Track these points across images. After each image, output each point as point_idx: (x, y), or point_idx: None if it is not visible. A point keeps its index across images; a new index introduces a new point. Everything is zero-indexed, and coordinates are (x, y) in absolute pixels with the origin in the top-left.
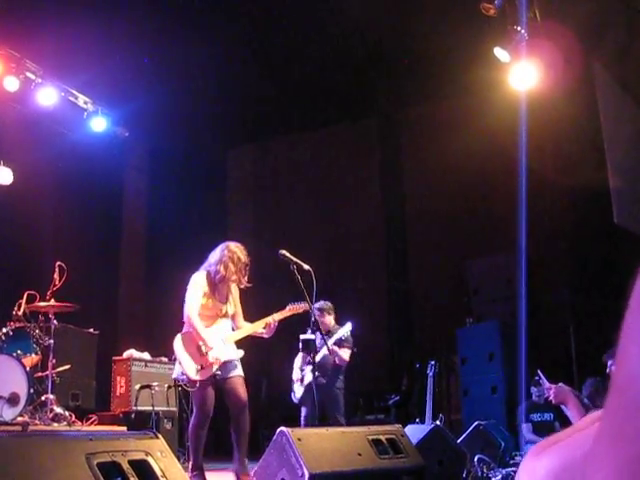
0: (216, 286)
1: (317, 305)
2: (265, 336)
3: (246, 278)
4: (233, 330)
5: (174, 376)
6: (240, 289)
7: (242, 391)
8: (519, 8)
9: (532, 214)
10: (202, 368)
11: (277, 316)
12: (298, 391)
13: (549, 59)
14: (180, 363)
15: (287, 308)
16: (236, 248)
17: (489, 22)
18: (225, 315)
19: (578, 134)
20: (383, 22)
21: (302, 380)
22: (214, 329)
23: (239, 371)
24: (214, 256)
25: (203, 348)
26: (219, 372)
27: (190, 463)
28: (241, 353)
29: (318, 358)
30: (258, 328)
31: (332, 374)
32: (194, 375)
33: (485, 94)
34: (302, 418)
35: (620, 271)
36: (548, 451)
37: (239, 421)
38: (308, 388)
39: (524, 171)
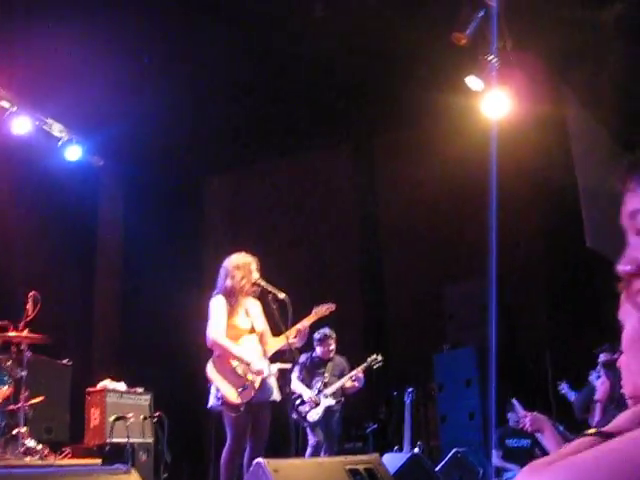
0: (234, 302)
1: (323, 332)
2: (297, 345)
3: (256, 275)
4: (262, 346)
5: (209, 405)
6: (262, 306)
7: (267, 428)
8: (490, 38)
9: (504, 239)
10: (244, 389)
11: (306, 322)
12: (313, 413)
13: (519, 87)
14: (218, 389)
15: (313, 312)
16: (236, 256)
17: (462, 50)
18: (251, 331)
19: (549, 160)
20: (356, 50)
21: (317, 403)
22: (244, 346)
23: (275, 395)
24: (220, 276)
25: (238, 369)
26: (254, 396)
27: None
28: (275, 369)
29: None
30: (290, 338)
31: (343, 401)
32: (236, 399)
33: (458, 121)
34: (313, 443)
35: (594, 294)
36: (549, 469)
37: (254, 456)
38: (324, 413)
39: (495, 197)
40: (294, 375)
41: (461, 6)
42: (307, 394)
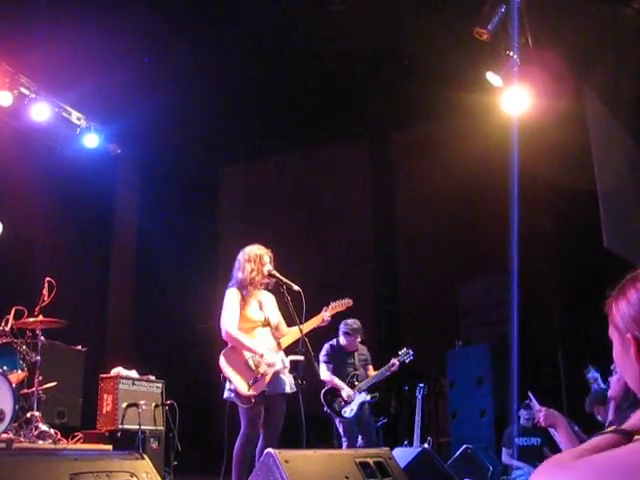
0: (247, 294)
1: (352, 324)
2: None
3: (269, 267)
4: (276, 339)
5: (225, 397)
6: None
7: (281, 420)
8: (511, 34)
9: (522, 237)
10: (255, 381)
11: (327, 315)
12: (348, 409)
13: (540, 84)
14: (230, 381)
15: (330, 306)
16: (249, 248)
17: (483, 47)
18: (265, 324)
19: (569, 159)
20: (376, 44)
21: (352, 400)
22: (257, 339)
23: (288, 387)
24: (234, 268)
25: (250, 361)
26: (266, 388)
27: None
28: (288, 361)
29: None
30: (306, 329)
31: (377, 397)
32: (247, 390)
33: (478, 117)
34: (353, 443)
35: (609, 295)
36: (572, 466)
37: (267, 447)
38: (359, 409)
39: (515, 194)
40: (323, 367)
41: (483, 1)
42: (347, 392)
